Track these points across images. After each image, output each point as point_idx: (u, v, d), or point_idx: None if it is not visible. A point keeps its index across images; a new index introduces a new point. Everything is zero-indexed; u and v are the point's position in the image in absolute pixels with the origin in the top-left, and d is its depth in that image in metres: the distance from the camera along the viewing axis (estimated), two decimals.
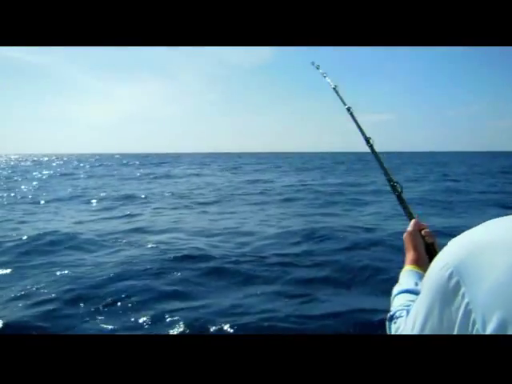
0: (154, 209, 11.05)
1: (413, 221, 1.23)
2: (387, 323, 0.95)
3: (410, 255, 1.14)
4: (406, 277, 1.07)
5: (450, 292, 0.62)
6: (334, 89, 1.81)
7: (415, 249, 1.15)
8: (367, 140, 1.52)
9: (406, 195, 1.38)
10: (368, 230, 7.55)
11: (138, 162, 50.12)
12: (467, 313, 0.59)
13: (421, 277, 1.04)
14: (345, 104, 1.71)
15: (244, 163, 47.16)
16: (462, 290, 0.60)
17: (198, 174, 27.18)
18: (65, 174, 27.34)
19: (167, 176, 25.53)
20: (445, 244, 0.69)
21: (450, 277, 0.62)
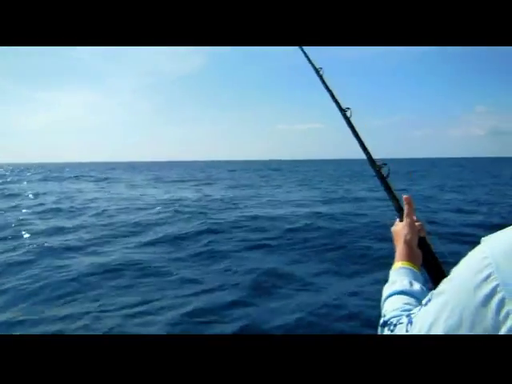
0: None
1: (406, 210, 1.08)
2: (380, 329, 0.83)
3: (402, 249, 1.01)
4: (399, 275, 0.94)
5: (493, 311, 0.53)
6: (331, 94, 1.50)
7: (408, 243, 1.01)
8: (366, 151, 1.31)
9: None
10: None
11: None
12: None
13: (415, 275, 0.95)
14: (342, 108, 1.43)
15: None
16: (506, 309, 0.52)
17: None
18: None
19: None
20: None
21: (494, 291, 0.53)
